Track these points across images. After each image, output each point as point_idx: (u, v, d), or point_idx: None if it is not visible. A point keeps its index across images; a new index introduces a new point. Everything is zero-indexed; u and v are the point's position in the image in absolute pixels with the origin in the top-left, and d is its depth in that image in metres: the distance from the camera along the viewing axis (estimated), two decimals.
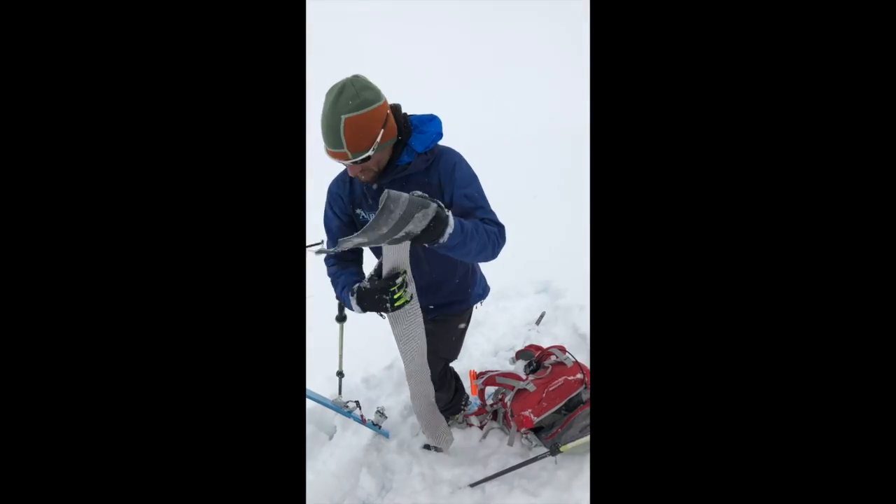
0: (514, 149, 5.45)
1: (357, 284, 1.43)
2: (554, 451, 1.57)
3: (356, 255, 1.65)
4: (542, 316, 2.74)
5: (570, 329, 2.46)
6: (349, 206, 1.53)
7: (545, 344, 2.31)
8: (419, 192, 1.06)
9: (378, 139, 1.26)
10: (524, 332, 2.70)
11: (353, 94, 1.21)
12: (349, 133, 1.22)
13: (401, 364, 2.58)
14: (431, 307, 1.67)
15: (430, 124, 1.40)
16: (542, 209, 3.38)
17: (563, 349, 1.99)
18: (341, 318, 2.05)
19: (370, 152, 1.26)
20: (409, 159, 1.37)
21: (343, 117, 1.21)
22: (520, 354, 2.27)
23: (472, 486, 1.80)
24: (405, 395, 2.48)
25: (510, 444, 1.83)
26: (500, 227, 1.35)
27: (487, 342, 2.67)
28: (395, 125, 1.32)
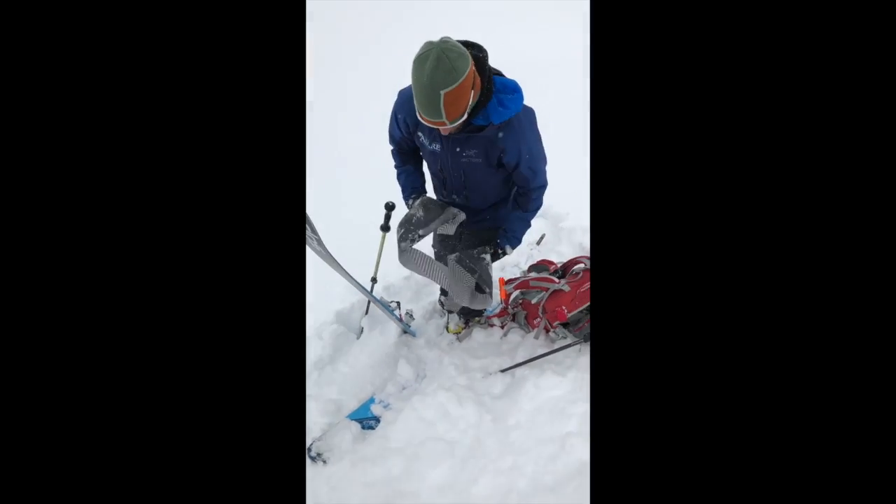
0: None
1: (414, 200, 1.83)
2: (587, 338, 1.92)
3: (415, 152, 1.83)
4: (542, 237, 3.05)
5: (576, 247, 2.80)
6: (412, 126, 1.66)
7: (553, 258, 2.64)
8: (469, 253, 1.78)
9: (470, 103, 1.37)
10: (526, 251, 3.00)
11: (449, 68, 1.26)
12: (448, 105, 1.31)
13: (417, 276, 2.84)
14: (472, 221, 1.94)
15: (513, 98, 1.46)
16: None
17: (590, 258, 2.31)
18: (385, 228, 2.23)
19: (465, 116, 1.39)
20: (484, 123, 1.48)
21: (442, 92, 1.28)
22: (532, 268, 2.57)
23: (504, 371, 2.13)
24: (424, 301, 2.74)
25: (536, 337, 2.17)
26: (540, 190, 1.75)
27: None
28: (479, 84, 1.41)
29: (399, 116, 1.67)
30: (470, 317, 2.47)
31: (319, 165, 2.73)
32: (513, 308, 2.35)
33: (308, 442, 1.96)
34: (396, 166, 1.88)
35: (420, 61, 1.29)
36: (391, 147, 1.84)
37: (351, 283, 1.97)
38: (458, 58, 1.28)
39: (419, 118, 1.42)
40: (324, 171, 2.92)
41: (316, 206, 2.12)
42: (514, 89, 1.50)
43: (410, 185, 1.86)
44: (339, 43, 5.89)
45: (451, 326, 2.49)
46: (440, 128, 1.43)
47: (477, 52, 1.42)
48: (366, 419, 2.09)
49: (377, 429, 2.03)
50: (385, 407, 2.14)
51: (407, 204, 1.86)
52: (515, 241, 1.90)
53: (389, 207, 2.18)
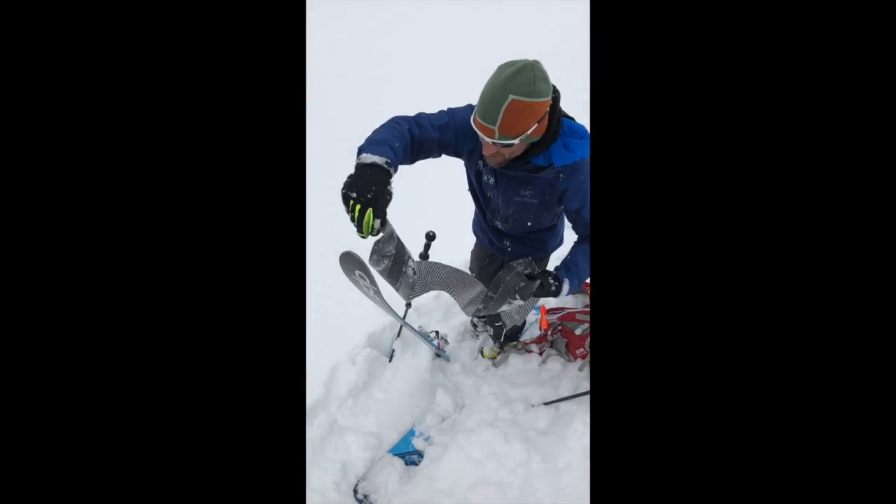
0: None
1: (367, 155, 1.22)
2: None
3: (420, 155, 1.45)
4: None
5: None
6: (472, 155, 1.53)
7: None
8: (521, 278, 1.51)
9: (528, 132, 1.27)
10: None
11: (530, 79, 1.19)
12: (508, 114, 1.22)
13: (446, 295, 2.78)
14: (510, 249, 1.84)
15: (580, 144, 1.39)
16: None
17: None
18: (424, 257, 2.16)
19: (516, 141, 1.28)
20: (544, 164, 1.39)
21: (511, 97, 1.19)
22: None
23: (547, 404, 2.10)
24: (454, 321, 2.69)
25: (580, 370, 2.13)
26: None
27: None
28: (546, 125, 1.32)
29: (456, 129, 1.45)
30: (505, 341, 2.43)
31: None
32: (552, 334, 2.31)
33: (353, 481, 1.92)
34: (386, 138, 1.29)
35: (504, 66, 1.23)
36: (407, 128, 1.36)
37: (403, 324, 1.92)
38: (544, 81, 1.23)
39: (472, 121, 1.30)
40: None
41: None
42: (582, 135, 1.42)
43: (390, 145, 1.27)
44: (340, 43, 5.69)
45: (486, 351, 2.45)
46: (485, 138, 1.29)
47: (552, 93, 1.35)
48: (408, 454, 2.05)
49: (421, 465, 1.99)
50: (426, 440, 2.10)
51: (360, 157, 1.22)
52: (576, 284, 1.54)
53: (430, 237, 2.10)
